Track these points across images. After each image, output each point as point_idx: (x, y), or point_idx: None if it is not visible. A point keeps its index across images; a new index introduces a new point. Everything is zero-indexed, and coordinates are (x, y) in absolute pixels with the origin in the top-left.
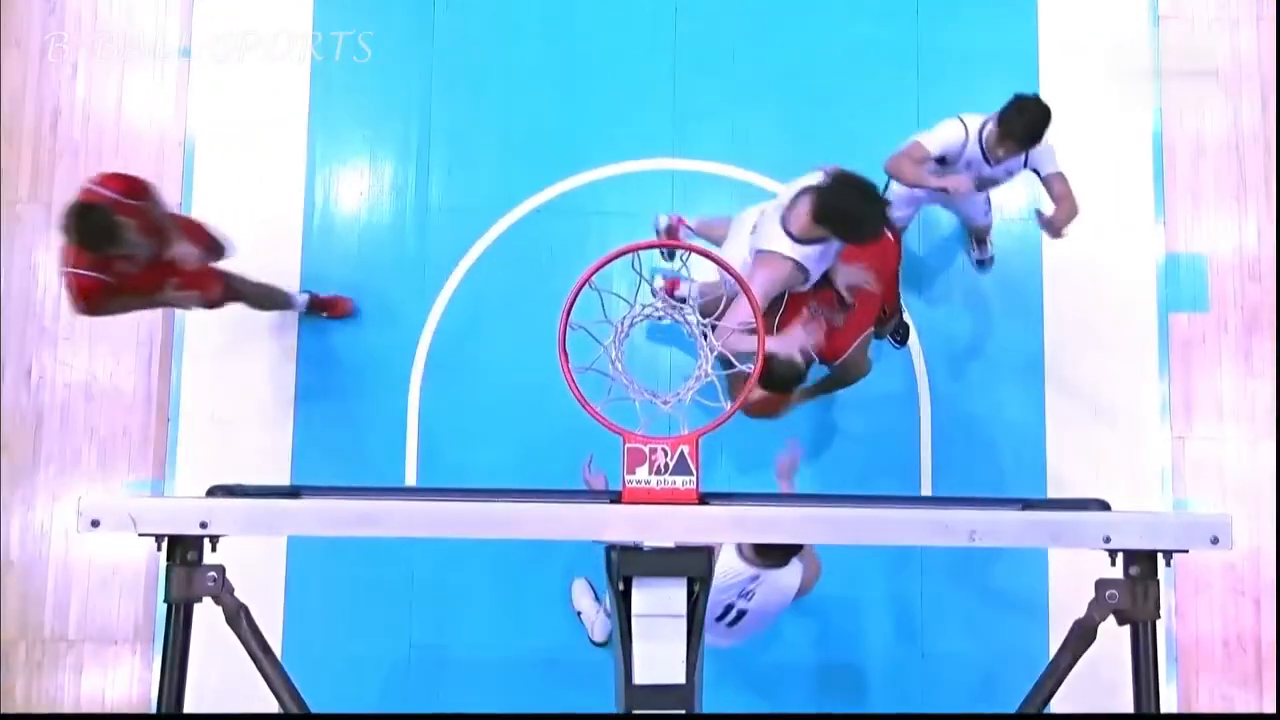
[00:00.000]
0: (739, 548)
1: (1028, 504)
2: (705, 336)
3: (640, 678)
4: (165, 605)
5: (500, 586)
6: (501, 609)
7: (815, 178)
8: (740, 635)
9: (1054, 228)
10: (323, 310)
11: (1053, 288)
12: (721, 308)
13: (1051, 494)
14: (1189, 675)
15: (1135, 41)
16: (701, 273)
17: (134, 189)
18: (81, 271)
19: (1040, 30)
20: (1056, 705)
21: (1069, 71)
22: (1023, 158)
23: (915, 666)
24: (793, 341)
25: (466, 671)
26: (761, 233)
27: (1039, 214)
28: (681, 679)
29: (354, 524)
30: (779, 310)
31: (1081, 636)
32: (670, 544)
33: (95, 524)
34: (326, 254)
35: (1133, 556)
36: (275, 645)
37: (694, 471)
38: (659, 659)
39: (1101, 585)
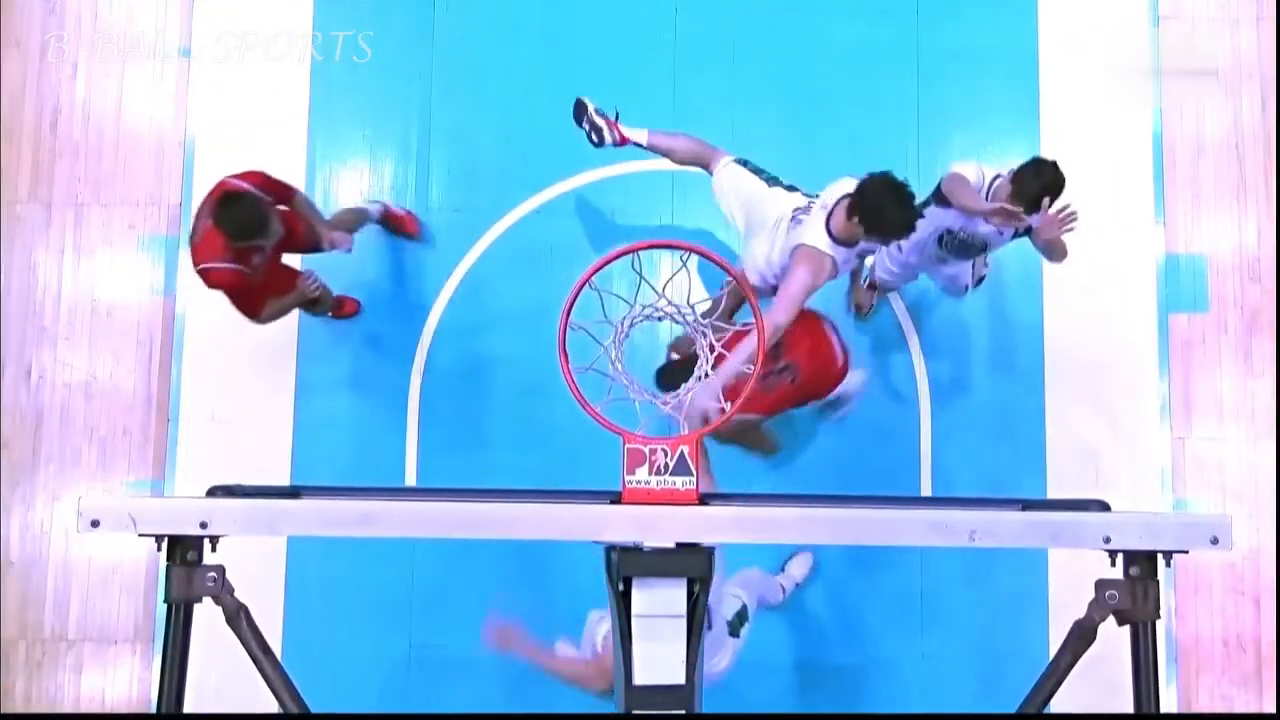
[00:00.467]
0: None
1: (1028, 504)
2: (705, 336)
3: (640, 678)
4: (165, 605)
5: (500, 586)
6: (501, 609)
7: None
8: None
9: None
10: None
11: (1052, 288)
12: (722, 308)
13: (1051, 494)
14: (1189, 675)
15: (1135, 41)
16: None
17: (273, 186)
18: (215, 265)
19: (1040, 30)
20: (1056, 705)
21: (1069, 71)
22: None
23: (915, 666)
24: (726, 371)
25: (466, 671)
26: (803, 229)
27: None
28: (681, 679)
29: (354, 524)
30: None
31: (1081, 636)
32: (670, 544)
33: (95, 524)
34: (327, 254)
35: (1133, 557)
36: (275, 645)
37: (694, 472)
38: (659, 659)
39: (1101, 585)
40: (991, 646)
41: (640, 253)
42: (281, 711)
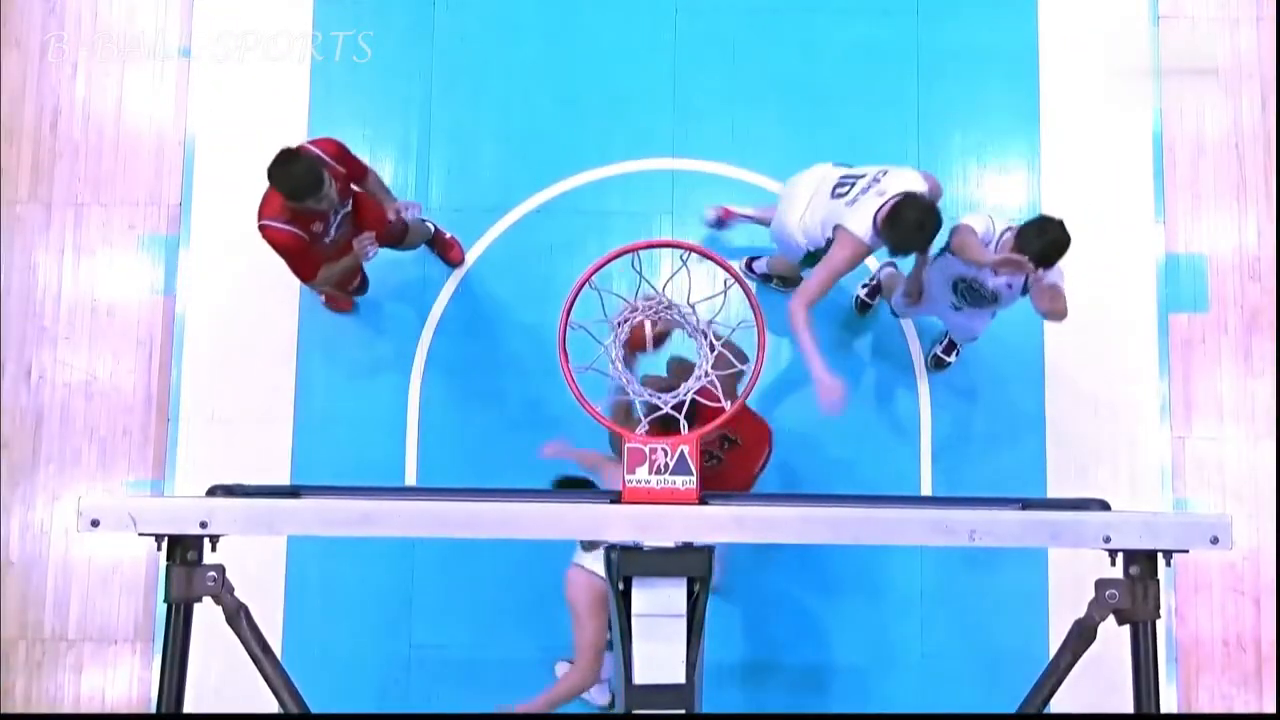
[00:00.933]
0: None
1: (1028, 504)
2: (705, 336)
3: (640, 678)
4: (165, 605)
5: (500, 586)
6: (501, 609)
7: (917, 182)
8: None
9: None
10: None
11: None
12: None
13: (1051, 494)
14: (1189, 675)
15: (1135, 41)
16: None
17: (347, 161)
18: (271, 223)
19: (1040, 30)
20: (1056, 705)
21: (1069, 71)
22: (1023, 278)
23: (915, 666)
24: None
25: (466, 671)
26: (852, 212)
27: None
28: (681, 679)
29: (354, 524)
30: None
31: (1081, 636)
32: (670, 544)
33: (95, 524)
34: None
35: (1133, 556)
36: (275, 645)
37: (694, 471)
38: (659, 659)
39: (1101, 585)
40: (991, 646)
41: (640, 253)
42: (281, 711)
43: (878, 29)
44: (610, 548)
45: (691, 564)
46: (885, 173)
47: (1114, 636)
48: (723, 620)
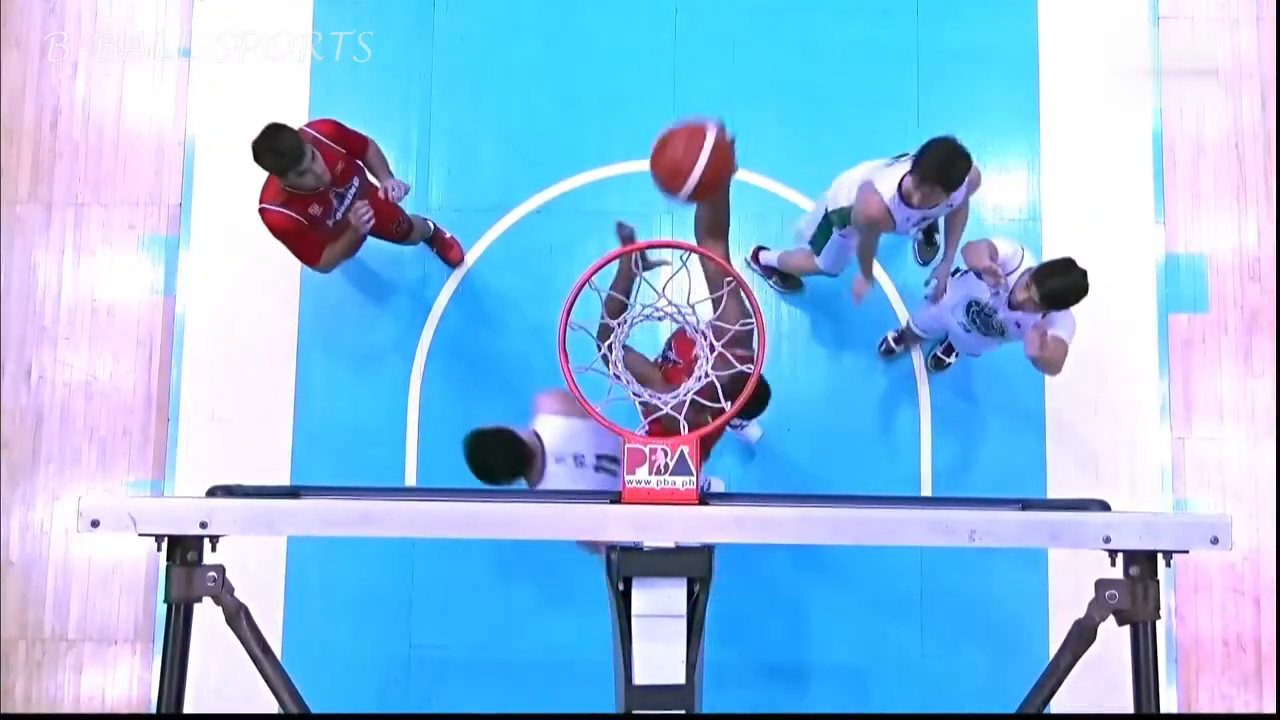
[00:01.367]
0: None
1: (1028, 504)
2: (705, 337)
3: (640, 678)
4: (165, 605)
5: (500, 586)
6: (501, 609)
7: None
8: None
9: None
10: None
11: None
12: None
13: (1051, 494)
14: (1189, 675)
15: (1135, 41)
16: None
17: (346, 136)
18: (269, 206)
19: (1040, 30)
20: (1056, 705)
21: (1069, 71)
22: (1038, 317)
23: (915, 666)
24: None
25: (466, 671)
26: (884, 174)
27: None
28: (681, 679)
29: (354, 524)
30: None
31: (1081, 636)
32: (670, 544)
33: (95, 524)
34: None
35: (1133, 556)
36: (275, 645)
37: (694, 471)
38: (659, 659)
39: (1101, 585)
40: (991, 647)
41: (640, 253)
42: (281, 711)
43: (878, 29)
44: (610, 548)
45: (691, 564)
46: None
47: (1114, 637)
48: (723, 620)
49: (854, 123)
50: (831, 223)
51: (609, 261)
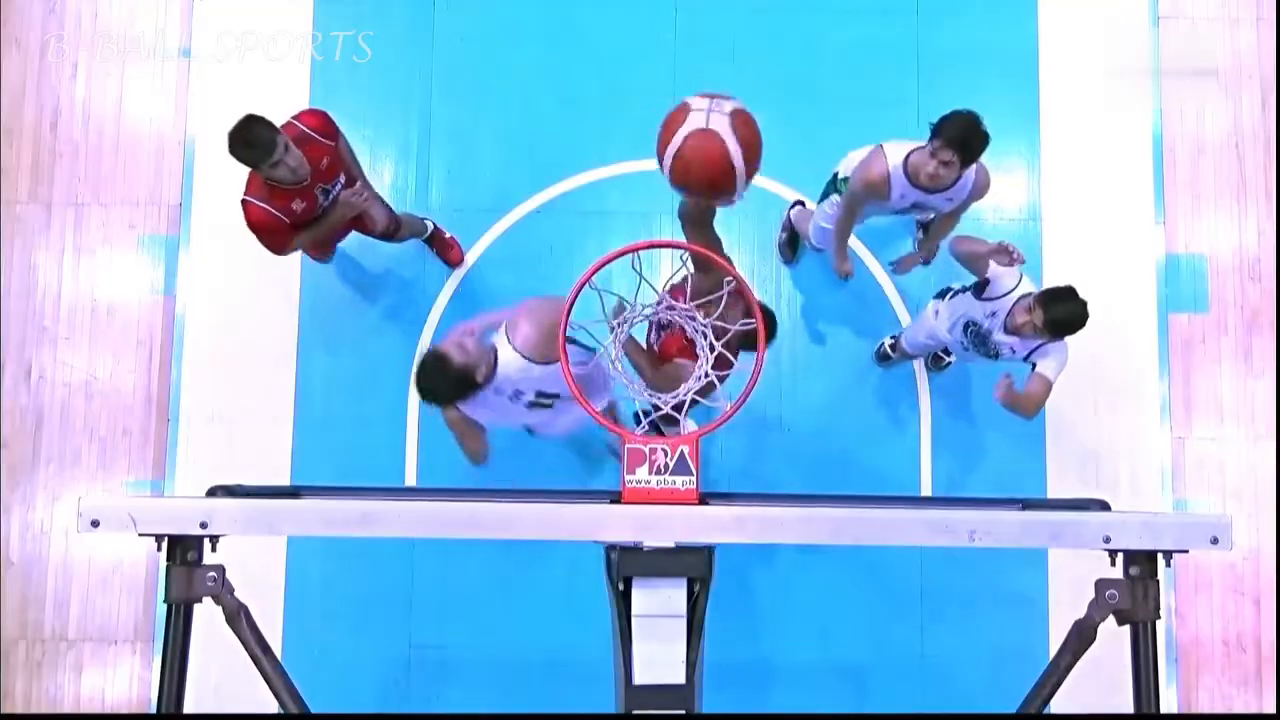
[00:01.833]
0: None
1: (1028, 504)
2: (705, 337)
3: (640, 678)
4: (165, 605)
5: (500, 586)
6: (501, 609)
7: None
8: None
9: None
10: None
11: None
12: (721, 309)
13: (1051, 494)
14: (1189, 675)
15: (1135, 41)
16: None
17: (328, 130)
18: (251, 200)
19: (1040, 30)
20: (1056, 705)
21: (1069, 71)
22: (1028, 348)
23: (915, 666)
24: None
25: (466, 671)
26: (894, 145)
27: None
28: (681, 679)
29: (354, 524)
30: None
31: (1081, 636)
32: (670, 544)
33: (95, 524)
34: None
35: (1133, 556)
36: (275, 645)
37: (694, 471)
38: (659, 659)
39: (1101, 585)
40: (991, 646)
41: (640, 253)
42: (281, 711)
43: (878, 29)
44: (610, 548)
45: (691, 564)
46: None
47: (1114, 637)
48: (723, 620)
49: (854, 122)
50: (837, 189)
51: (609, 261)
